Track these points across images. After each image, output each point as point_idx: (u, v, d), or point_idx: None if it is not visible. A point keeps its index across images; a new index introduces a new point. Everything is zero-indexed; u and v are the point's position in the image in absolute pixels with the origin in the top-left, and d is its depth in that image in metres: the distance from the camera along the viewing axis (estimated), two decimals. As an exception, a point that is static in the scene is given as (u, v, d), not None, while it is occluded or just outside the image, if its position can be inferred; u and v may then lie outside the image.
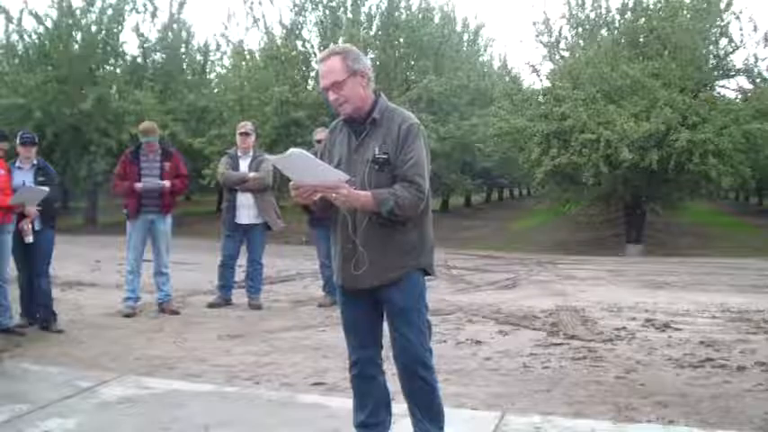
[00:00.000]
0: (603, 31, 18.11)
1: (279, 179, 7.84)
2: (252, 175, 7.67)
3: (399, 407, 4.27)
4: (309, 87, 18.63)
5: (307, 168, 2.96)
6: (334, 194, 2.97)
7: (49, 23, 18.82)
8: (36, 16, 18.73)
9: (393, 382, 3.33)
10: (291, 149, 2.96)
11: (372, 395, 3.33)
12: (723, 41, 17.08)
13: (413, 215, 3.09)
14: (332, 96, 3.15)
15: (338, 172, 2.98)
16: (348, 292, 3.24)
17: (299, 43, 18.80)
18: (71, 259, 10.63)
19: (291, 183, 3.02)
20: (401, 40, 19.00)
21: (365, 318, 3.27)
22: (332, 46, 3.23)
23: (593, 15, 18.06)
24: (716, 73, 17.51)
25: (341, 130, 3.29)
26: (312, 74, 19.36)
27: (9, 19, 18.85)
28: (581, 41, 18.22)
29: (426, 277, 3.27)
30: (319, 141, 8.06)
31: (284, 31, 18.90)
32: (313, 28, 18.70)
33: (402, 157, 3.07)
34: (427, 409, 3.26)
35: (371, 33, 18.54)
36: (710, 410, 4.26)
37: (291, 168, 2.98)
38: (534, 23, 18.38)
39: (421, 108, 17.84)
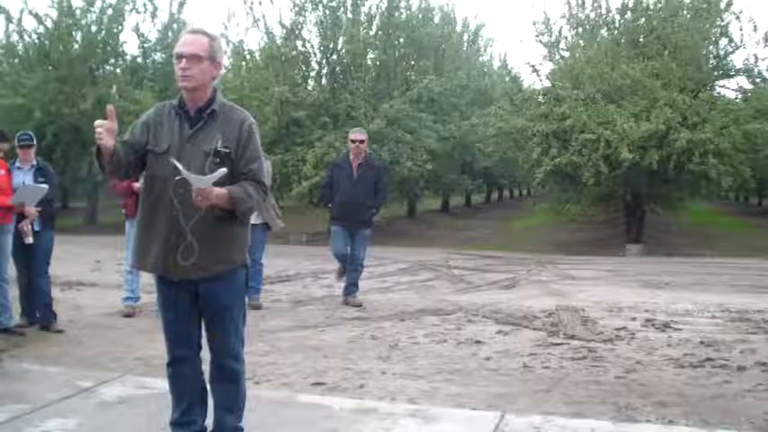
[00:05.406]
0: (603, 31, 18.14)
1: (279, 179, 7.79)
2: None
3: (400, 407, 4.29)
4: (309, 87, 18.63)
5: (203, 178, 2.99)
6: (200, 197, 2.94)
7: (49, 23, 18.79)
8: (36, 16, 18.71)
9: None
10: (187, 174, 2.95)
11: (188, 394, 3.30)
12: (723, 41, 17.13)
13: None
14: (183, 65, 3.11)
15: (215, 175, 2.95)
16: (169, 284, 3.18)
17: (299, 43, 18.78)
18: (71, 259, 10.63)
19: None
20: (401, 40, 19.00)
21: (186, 316, 3.21)
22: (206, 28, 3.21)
23: (593, 15, 18.10)
24: (716, 73, 17.53)
25: (169, 114, 3.24)
26: (312, 74, 19.36)
27: (9, 19, 18.85)
28: (581, 41, 18.23)
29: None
30: (354, 141, 8.01)
31: (284, 31, 18.88)
32: (313, 28, 18.67)
33: (247, 155, 3.12)
34: (229, 398, 3.29)
35: (371, 33, 18.53)
36: (710, 410, 4.26)
37: (199, 180, 2.99)
38: (534, 23, 18.46)
39: (421, 108, 17.84)
